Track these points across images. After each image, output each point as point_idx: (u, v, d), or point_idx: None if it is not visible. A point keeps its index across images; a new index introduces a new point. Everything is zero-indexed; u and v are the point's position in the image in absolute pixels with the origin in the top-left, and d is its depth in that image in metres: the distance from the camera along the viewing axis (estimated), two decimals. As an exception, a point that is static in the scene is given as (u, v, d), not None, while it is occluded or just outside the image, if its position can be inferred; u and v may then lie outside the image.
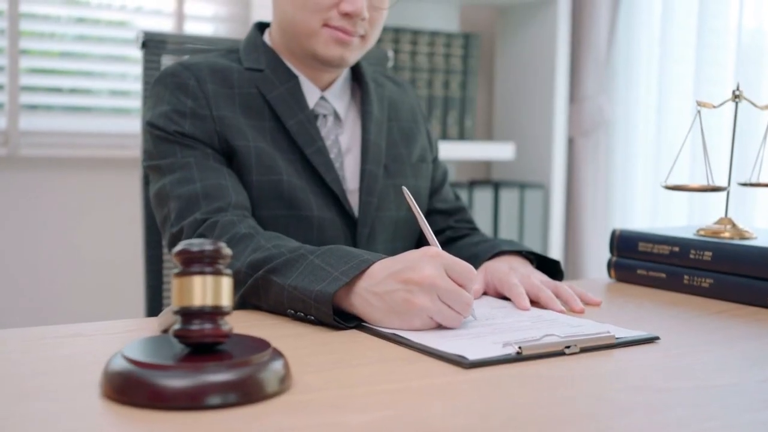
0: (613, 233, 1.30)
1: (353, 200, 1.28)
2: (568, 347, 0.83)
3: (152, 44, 1.42)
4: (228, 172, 1.19)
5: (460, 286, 0.90)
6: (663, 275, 1.22)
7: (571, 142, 2.56)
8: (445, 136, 2.41)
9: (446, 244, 1.37)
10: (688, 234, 1.23)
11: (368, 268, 0.93)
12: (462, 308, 0.90)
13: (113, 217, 2.25)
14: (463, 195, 2.35)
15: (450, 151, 2.32)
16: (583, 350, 0.84)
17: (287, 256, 0.99)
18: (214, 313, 0.69)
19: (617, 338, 0.87)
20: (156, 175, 1.21)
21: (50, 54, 2.25)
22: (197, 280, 0.68)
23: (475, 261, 1.20)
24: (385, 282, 0.90)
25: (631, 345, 0.88)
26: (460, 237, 1.37)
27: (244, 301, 1.04)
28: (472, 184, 2.42)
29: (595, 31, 2.46)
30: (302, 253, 0.98)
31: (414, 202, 0.98)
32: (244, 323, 0.96)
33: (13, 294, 2.17)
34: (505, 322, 0.95)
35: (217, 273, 0.69)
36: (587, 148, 2.52)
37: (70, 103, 2.24)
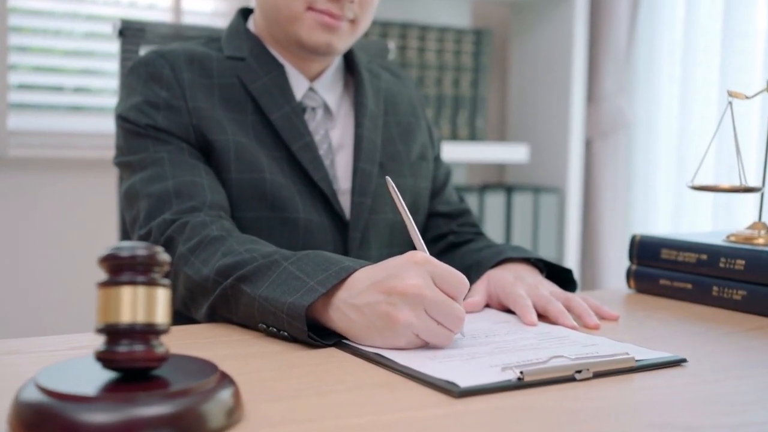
0: (633, 239, 1.17)
1: (345, 201, 1.16)
2: (579, 372, 0.71)
3: (130, 33, 1.31)
4: (205, 169, 1.08)
5: (451, 297, 0.78)
6: (689, 286, 1.09)
7: (588, 144, 2.46)
8: (455, 137, 2.29)
9: (448, 250, 1.24)
10: (718, 240, 1.10)
11: (348, 276, 0.81)
12: (453, 324, 0.78)
13: (105, 220, 2.14)
14: (474, 199, 2.23)
15: (460, 152, 2.20)
16: (597, 375, 0.72)
17: (259, 262, 0.87)
18: (147, 331, 0.57)
19: (637, 361, 0.75)
20: (127, 172, 1.10)
21: (40, 51, 2.15)
22: (126, 292, 0.57)
23: (478, 269, 1.08)
24: (366, 293, 0.78)
25: (654, 369, 0.75)
26: (463, 242, 1.24)
27: (213, 313, 0.92)
28: (484, 188, 2.30)
29: (614, 27, 2.35)
30: (276, 259, 0.87)
31: (399, 195, 0.86)
32: (207, 339, 0.84)
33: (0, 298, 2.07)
34: (507, 340, 0.83)
35: (152, 283, 0.57)
36: (606, 151, 2.41)
37: (61, 101, 2.14)
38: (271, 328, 0.83)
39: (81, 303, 2.13)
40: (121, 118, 1.11)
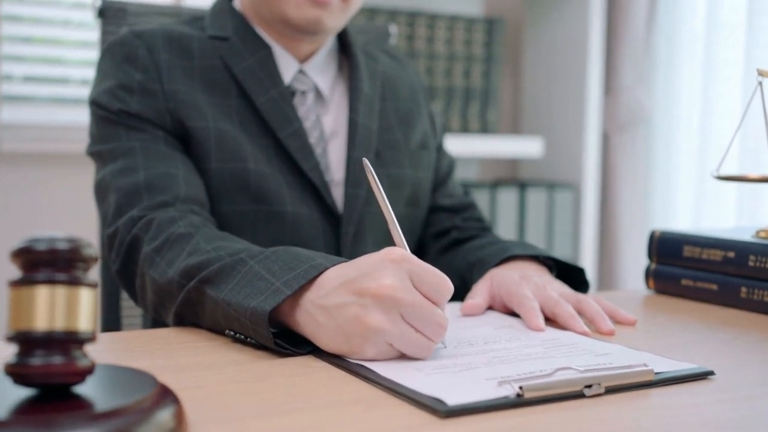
0: (652, 235, 1.07)
1: (337, 194, 1.06)
2: (588, 386, 0.61)
3: (110, 13, 1.22)
4: (181, 159, 0.99)
5: (431, 302, 0.68)
6: (714, 287, 0.99)
7: (605, 138, 2.36)
8: (465, 130, 2.19)
9: (451, 247, 1.15)
10: (746, 236, 0.99)
11: (319, 275, 0.71)
12: (433, 332, 0.68)
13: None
14: (486, 195, 2.13)
15: (471, 146, 2.11)
16: (610, 391, 0.62)
17: (224, 262, 0.78)
18: (67, 340, 0.48)
19: (657, 374, 0.65)
20: (98, 163, 1.02)
21: (36, 41, 2.07)
22: (42, 293, 0.47)
23: (481, 267, 0.98)
24: (336, 293, 0.69)
25: (676, 383, 0.65)
26: (467, 238, 1.14)
27: (181, 319, 0.83)
28: (496, 184, 2.21)
29: (632, 15, 2.25)
30: (242, 257, 0.77)
31: (376, 179, 0.75)
32: (171, 344, 0.75)
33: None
34: (508, 348, 0.73)
35: (74, 282, 0.48)
36: (623, 145, 2.31)
37: (57, 94, 2.06)
38: (238, 335, 0.74)
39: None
40: (94, 104, 1.03)
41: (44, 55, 2.06)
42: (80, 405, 0.47)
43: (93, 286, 0.49)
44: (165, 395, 0.51)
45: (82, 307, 0.48)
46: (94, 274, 1.67)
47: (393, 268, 0.67)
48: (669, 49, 2.25)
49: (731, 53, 2.04)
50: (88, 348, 0.51)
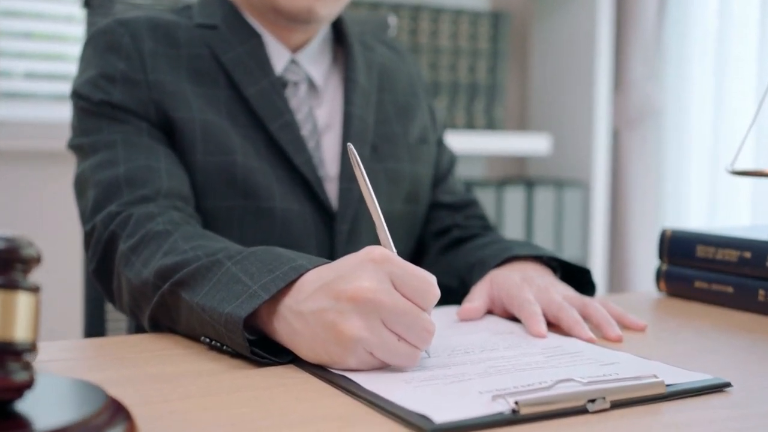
0: (663, 234, 1.01)
1: (331, 189, 1.01)
2: (592, 401, 0.55)
3: (97, 2, 1.17)
4: (164, 152, 0.94)
5: (416, 306, 0.62)
6: (730, 289, 0.93)
7: (615, 134, 2.32)
8: (471, 127, 2.14)
9: (452, 246, 1.09)
10: (763, 235, 0.93)
11: (299, 278, 0.66)
12: (418, 338, 0.62)
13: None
14: (492, 194, 2.08)
15: (477, 143, 2.06)
16: (616, 405, 0.56)
17: (200, 263, 0.72)
18: (2, 351, 0.43)
19: (668, 386, 0.59)
20: (79, 156, 0.98)
21: (33, 36, 2.02)
22: (-26, 298, 0.42)
23: (482, 268, 0.92)
24: (313, 298, 0.63)
25: (689, 396, 0.59)
26: (468, 237, 1.09)
27: (156, 323, 0.78)
28: (503, 182, 2.15)
29: (642, 8, 2.21)
30: (218, 258, 0.72)
31: (362, 168, 0.68)
32: (143, 352, 0.70)
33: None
34: (506, 357, 0.67)
35: (11, 286, 0.43)
36: (634, 141, 2.27)
37: (57, 90, 2.01)
38: (214, 342, 0.68)
39: (72, 305, 2.01)
40: (75, 95, 0.98)
41: (44, 51, 2.02)
42: (17, 424, 0.42)
43: (33, 290, 0.44)
44: (116, 412, 0.45)
45: (20, 314, 0.43)
46: (75, 274, 1.62)
47: (372, 269, 0.62)
48: (680, 43, 2.20)
49: (743, 47, 1.99)
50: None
